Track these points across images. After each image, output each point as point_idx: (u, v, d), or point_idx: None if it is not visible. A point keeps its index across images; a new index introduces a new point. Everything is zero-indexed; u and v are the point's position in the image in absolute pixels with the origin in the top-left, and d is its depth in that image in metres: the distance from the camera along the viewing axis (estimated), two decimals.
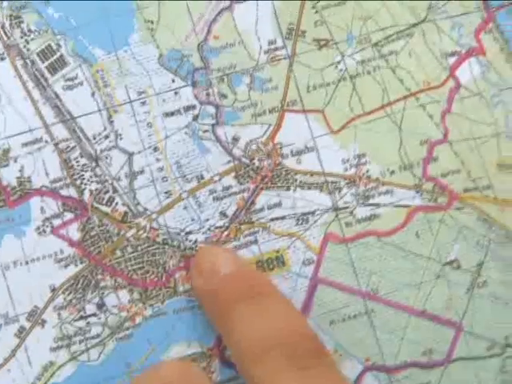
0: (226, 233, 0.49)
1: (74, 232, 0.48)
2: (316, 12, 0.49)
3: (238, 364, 0.46)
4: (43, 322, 0.47)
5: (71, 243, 0.48)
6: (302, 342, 0.45)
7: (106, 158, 0.48)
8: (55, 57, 0.47)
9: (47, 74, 0.47)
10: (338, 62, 0.49)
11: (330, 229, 0.49)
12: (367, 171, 0.49)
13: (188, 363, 0.49)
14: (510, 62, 0.50)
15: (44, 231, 0.47)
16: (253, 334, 0.44)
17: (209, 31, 0.48)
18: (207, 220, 0.48)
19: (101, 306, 0.48)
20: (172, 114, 0.48)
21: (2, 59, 0.47)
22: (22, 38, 0.46)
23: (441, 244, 0.50)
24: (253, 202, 0.49)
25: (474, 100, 0.50)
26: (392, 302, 0.50)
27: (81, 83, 0.47)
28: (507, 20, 0.50)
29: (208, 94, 0.48)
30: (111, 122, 0.48)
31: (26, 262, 0.47)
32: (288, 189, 0.49)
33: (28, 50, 0.47)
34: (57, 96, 0.47)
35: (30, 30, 0.47)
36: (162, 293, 0.48)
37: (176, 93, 0.48)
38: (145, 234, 0.48)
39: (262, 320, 0.45)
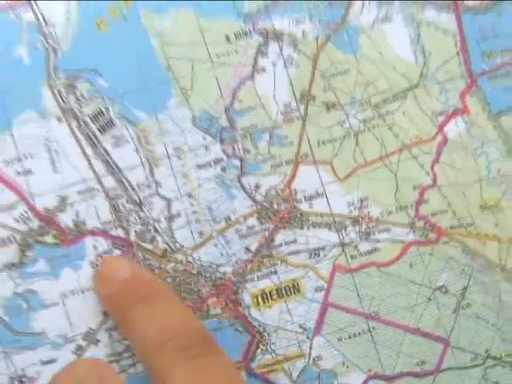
0: (250, 265, 0.49)
1: None
2: (324, 80, 0.49)
3: (141, 359, 0.47)
4: (97, 342, 0.47)
5: None
6: (192, 334, 0.45)
7: (149, 203, 0.48)
8: (104, 119, 0.47)
9: (98, 134, 0.47)
10: (343, 121, 0.49)
11: (337, 261, 0.50)
12: (368, 212, 0.50)
13: (100, 361, 0.48)
14: (490, 119, 0.50)
15: (97, 265, 0.48)
16: (150, 331, 0.44)
17: (234, 97, 0.48)
18: (234, 254, 0.49)
19: None
20: (203, 166, 0.48)
21: (60, 121, 0.47)
22: (76, 103, 0.47)
23: (431, 272, 0.50)
24: (272, 239, 0.49)
25: (460, 152, 0.51)
26: (390, 321, 0.50)
27: (126, 141, 0.48)
28: (487, 84, 0.50)
29: (234, 149, 0.49)
30: (152, 174, 0.48)
31: (82, 291, 0.47)
32: (302, 228, 0.49)
33: (81, 113, 0.47)
34: (106, 152, 0.47)
35: (83, 97, 0.47)
36: (196, 316, 0.49)
37: (206, 148, 0.48)
38: (182, 267, 0.49)
39: (157, 317, 0.45)
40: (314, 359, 0.50)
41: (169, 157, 0.48)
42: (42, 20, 0.47)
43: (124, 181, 0.48)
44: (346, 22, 0.50)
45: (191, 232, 0.49)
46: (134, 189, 0.48)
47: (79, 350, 0.48)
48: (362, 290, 0.50)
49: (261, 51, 0.49)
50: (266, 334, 0.50)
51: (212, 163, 0.49)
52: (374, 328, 0.50)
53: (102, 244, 0.48)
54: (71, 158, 0.48)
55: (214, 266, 0.49)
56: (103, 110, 0.48)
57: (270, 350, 0.50)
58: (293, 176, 0.50)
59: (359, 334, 0.50)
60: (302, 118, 0.50)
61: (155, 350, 0.45)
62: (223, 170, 0.49)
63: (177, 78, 0.48)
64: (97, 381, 0.44)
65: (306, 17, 0.50)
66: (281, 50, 0.49)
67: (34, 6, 0.47)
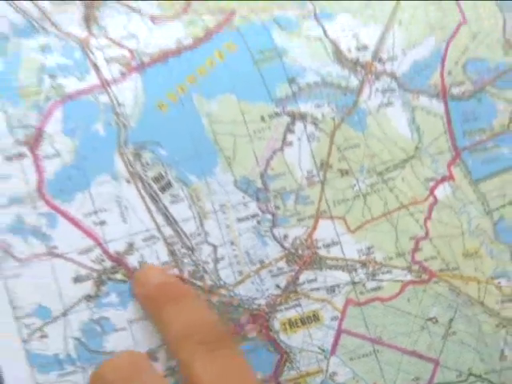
0: (279, 299, 0.50)
1: None
2: (339, 152, 0.51)
3: (173, 353, 0.48)
4: (156, 359, 0.48)
5: None
6: (211, 331, 0.46)
7: (199, 249, 0.49)
8: (164, 181, 0.49)
9: (159, 193, 0.49)
10: (354, 185, 0.51)
11: (349, 296, 0.51)
12: (374, 257, 0.51)
13: (139, 353, 0.48)
14: (471, 185, 0.52)
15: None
16: (176, 326, 0.46)
17: (267, 165, 0.50)
18: (267, 290, 0.50)
19: None
20: (243, 219, 0.50)
21: (129, 182, 0.48)
22: (141, 168, 0.48)
23: (424, 306, 0.51)
24: (297, 278, 0.50)
25: (447, 210, 0.52)
26: (391, 345, 0.51)
27: (181, 199, 0.49)
28: (468, 157, 0.52)
29: (267, 206, 0.50)
30: (202, 225, 0.49)
31: (145, 319, 0.48)
32: (321, 269, 0.51)
33: (146, 176, 0.48)
34: (165, 207, 0.49)
35: (147, 163, 0.49)
36: (236, 339, 0.50)
37: (245, 205, 0.50)
38: (225, 300, 0.50)
39: (182, 315, 0.46)
40: (330, 375, 0.51)
41: (215, 212, 0.50)
42: (115, 102, 0.49)
43: (179, 230, 0.50)
44: (357, 107, 0.52)
45: (232, 272, 0.50)
46: (187, 237, 0.50)
47: None
48: (369, 319, 0.51)
49: (289, 129, 0.51)
50: (291, 354, 0.51)
51: (250, 217, 0.51)
52: (378, 350, 0.51)
53: None
54: (137, 211, 0.49)
55: (250, 299, 0.51)
56: (163, 174, 0.50)
57: (295, 366, 0.51)
58: (314, 228, 0.51)
59: (367, 354, 0.51)
60: (322, 183, 0.51)
61: (180, 343, 0.46)
62: (258, 222, 0.51)
63: (222, 149, 0.50)
64: (134, 370, 0.45)
65: (325, 102, 0.51)
66: (305, 128, 0.51)
67: (109, 91, 0.49)
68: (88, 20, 0.50)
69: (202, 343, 0.46)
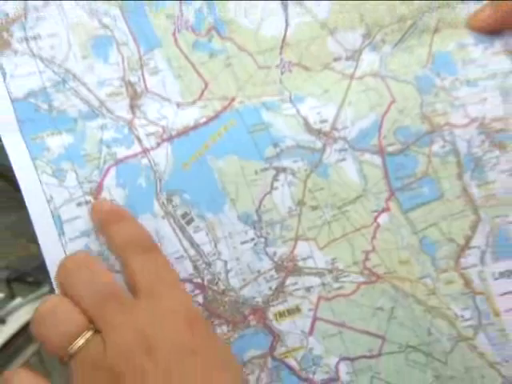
0: (272, 297, 0.53)
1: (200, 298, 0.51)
2: (311, 193, 0.53)
3: (119, 259, 0.48)
4: None
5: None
6: (144, 240, 0.48)
7: (214, 263, 0.52)
8: (189, 217, 0.51)
9: (185, 225, 0.51)
10: (322, 216, 0.53)
11: (320, 294, 0.53)
12: (337, 266, 0.53)
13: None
14: (402, 214, 0.54)
15: None
16: (119, 238, 0.48)
17: (260, 203, 0.52)
18: (263, 291, 0.52)
19: None
20: (244, 242, 0.53)
21: (163, 219, 0.50)
22: (172, 208, 0.50)
23: (373, 299, 0.54)
24: (284, 282, 0.53)
25: (387, 232, 0.54)
26: (351, 327, 0.53)
27: (201, 229, 0.51)
28: (400, 195, 0.54)
29: (261, 233, 0.53)
30: (216, 247, 0.52)
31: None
32: (300, 276, 0.53)
33: (175, 213, 0.50)
34: (190, 236, 0.51)
35: (176, 205, 0.50)
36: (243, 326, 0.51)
37: (246, 232, 0.52)
38: (233, 299, 0.52)
39: (123, 230, 0.48)
40: (309, 349, 0.53)
41: (225, 237, 0.52)
42: (152, 163, 0.51)
43: (200, 251, 0.52)
44: (321, 162, 0.53)
45: (238, 279, 0.52)
46: (205, 255, 0.52)
47: None
48: (335, 310, 0.53)
49: (275, 178, 0.53)
50: (281, 336, 0.52)
51: (249, 240, 0.52)
52: (342, 331, 0.53)
53: (188, 286, 0.51)
54: (170, 239, 0.51)
55: (251, 298, 0.52)
56: (188, 212, 0.52)
57: (284, 344, 0.52)
58: (294, 247, 0.53)
59: (334, 334, 0.53)
60: (299, 215, 0.53)
61: (122, 250, 0.46)
62: (255, 244, 0.52)
63: (228, 193, 0.52)
64: (88, 261, 0.44)
65: (300, 159, 0.53)
66: (286, 177, 0.53)
67: (148, 156, 0.51)
68: (132, 107, 0.52)
69: (138, 247, 0.45)
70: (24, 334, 1.49)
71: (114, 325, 0.39)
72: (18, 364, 1.45)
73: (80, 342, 0.40)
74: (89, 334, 0.40)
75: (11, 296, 1.52)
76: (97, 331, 0.40)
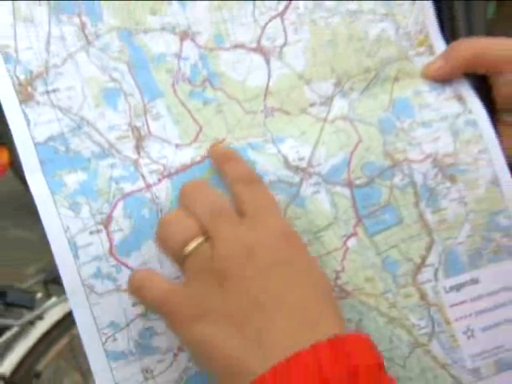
0: None
1: None
2: (290, 221, 0.54)
3: (231, 192, 0.50)
4: None
5: None
6: (250, 175, 0.52)
7: None
8: None
9: None
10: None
11: None
12: None
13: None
14: (368, 238, 0.56)
15: None
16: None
17: None
18: None
19: None
20: None
21: None
22: None
23: (343, 312, 0.54)
24: None
25: (355, 254, 0.56)
26: None
27: None
28: (366, 220, 0.56)
29: None
30: None
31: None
32: None
33: None
34: None
35: None
36: None
37: None
38: None
39: (234, 170, 0.52)
40: None
41: None
42: (155, 197, 0.53)
43: None
44: (299, 194, 0.55)
45: None
46: None
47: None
48: None
49: None
50: None
51: None
52: None
53: None
54: (169, 261, 0.51)
55: None
56: None
57: None
58: None
59: None
60: None
61: (232, 184, 0.50)
62: None
63: None
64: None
65: (280, 192, 0.55)
66: None
67: (151, 190, 0.53)
68: (138, 148, 0.54)
69: (245, 181, 0.50)
70: (58, 328, 1.58)
71: (223, 235, 0.43)
72: (53, 353, 1.54)
73: (193, 245, 0.44)
74: (200, 240, 0.44)
75: (48, 295, 1.60)
76: (207, 239, 0.43)
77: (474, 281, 0.58)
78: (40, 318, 1.54)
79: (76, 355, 1.58)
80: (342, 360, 0.37)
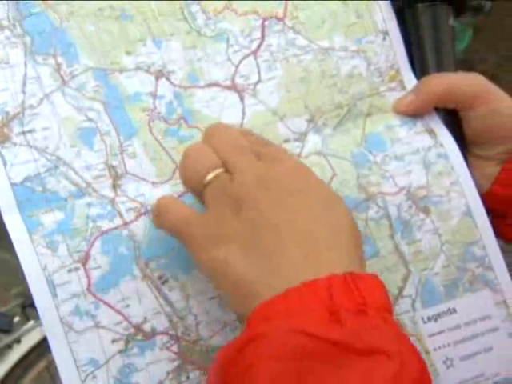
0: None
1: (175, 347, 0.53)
2: None
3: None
4: None
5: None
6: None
7: (187, 317, 0.54)
8: (164, 278, 0.53)
9: (161, 286, 0.53)
10: None
11: None
12: None
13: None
14: None
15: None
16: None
17: None
18: (229, 339, 0.52)
19: None
20: (212, 298, 0.55)
21: (142, 280, 0.53)
22: (150, 272, 0.53)
23: None
24: None
25: None
26: None
27: (175, 288, 0.54)
28: None
29: None
30: (188, 303, 0.54)
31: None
32: None
33: (153, 276, 0.53)
34: (165, 294, 0.53)
35: (153, 268, 0.53)
36: None
37: (213, 290, 0.55)
38: (204, 348, 0.54)
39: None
40: None
41: (195, 295, 0.54)
42: (131, 234, 0.54)
43: (174, 307, 0.54)
44: None
45: (207, 330, 0.55)
46: (179, 311, 0.54)
47: None
48: None
49: None
50: None
51: (216, 296, 0.55)
52: None
53: (164, 338, 0.53)
54: (148, 297, 0.53)
55: (219, 346, 0.54)
56: (163, 274, 0.54)
57: None
58: None
59: None
60: None
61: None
62: (221, 299, 0.54)
63: None
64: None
65: None
66: None
67: (128, 228, 0.53)
68: (115, 186, 0.54)
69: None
70: (36, 352, 1.59)
71: (242, 167, 0.44)
72: (31, 376, 1.55)
73: (212, 174, 0.45)
74: (220, 170, 0.45)
75: (26, 319, 1.61)
76: (227, 171, 0.45)
77: (451, 311, 0.59)
78: (17, 341, 1.55)
79: (54, 380, 1.57)
80: (353, 295, 0.38)
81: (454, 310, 0.59)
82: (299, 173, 0.46)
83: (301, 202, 0.43)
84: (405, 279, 0.59)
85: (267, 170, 0.44)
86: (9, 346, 1.57)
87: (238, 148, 0.46)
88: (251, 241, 0.42)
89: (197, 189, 0.46)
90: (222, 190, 0.44)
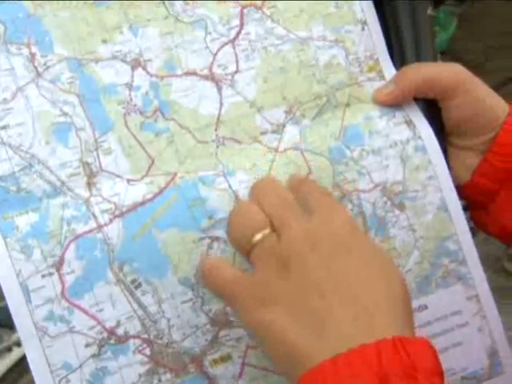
0: (208, 347, 0.55)
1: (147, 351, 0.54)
2: (239, 257, 0.54)
3: None
4: None
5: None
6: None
7: (160, 321, 0.54)
8: (137, 282, 0.54)
9: (134, 290, 0.54)
10: None
11: (247, 343, 0.56)
12: None
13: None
14: None
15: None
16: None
17: (198, 269, 0.54)
18: (200, 342, 0.55)
19: None
20: (185, 302, 0.55)
21: (115, 285, 0.54)
22: (123, 275, 0.54)
23: None
24: (218, 334, 0.56)
25: None
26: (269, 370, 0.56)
27: (148, 292, 0.54)
28: None
29: (198, 293, 0.55)
30: (160, 307, 0.55)
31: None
32: (231, 329, 0.55)
33: (126, 280, 0.54)
34: (138, 298, 0.54)
35: (126, 273, 0.54)
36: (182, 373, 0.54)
37: (185, 293, 0.55)
38: (176, 350, 0.55)
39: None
40: None
41: (168, 299, 0.54)
42: (106, 237, 0.54)
43: (147, 311, 0.54)
44: None
45: (179, 333, 0.55)
46: (152, 315, 0.54)
47: None
48: (260, 356, 0.55)
49: (210, 246, 0.55)
50: (216, 380, 0.55)
51: (188, 300, 0.55)
52: (266, 375, 0.55)
53: (136, 341, 0.54)
54: (121, 301, 0.54)
55: (191, 349, 0.55)
56: (136, 278, 0.54)
57: None
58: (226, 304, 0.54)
59: (259, 377, 0.56)
60: None
61: None
62: (194, 303, 0.55)
63: (171, 261, 0.54)
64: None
65: None
66: (219, 245, 0.55)
67: (103, 231, 0.54)
68: (89, 184, 0.54)
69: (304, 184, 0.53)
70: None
71: (289, 226, 0.44)
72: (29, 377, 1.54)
73: (260, 235, 0.45)
74: (267, 231, 0.45)
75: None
76: (274, 231, 0.45)
77: (422, 307, 0.61)
78: (9, 349, 1.54)
79: None
80: (402, 360, 0.38)
81: (425, 307, 0.61)
82: (347, 231, 0.45)
83: (349, 262, 0.43)
84: None
85: (315, 228, 0.44)
86: (8, 349, 1.56)
87: (285, 205, 0.47)
88: (298, 303, 0.42)
89: (244, 249, 0.46)
90: (270, 251, 0.44)
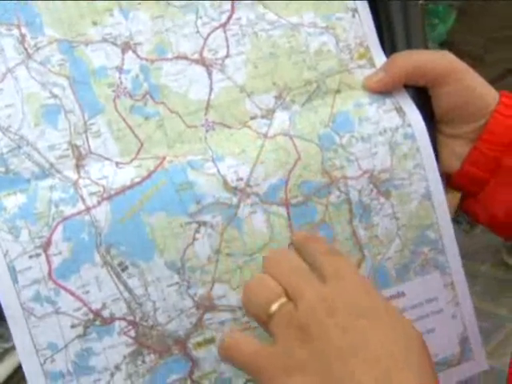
0: (192, 330, 0.56)
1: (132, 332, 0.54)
2: (226, 243, 0.56)
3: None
4: None
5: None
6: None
7: (145, 303, 0.55)
8: (124, 265, 0.55)
9: (120, 272, 0.55)
10: (235, 262, 0.57)
11: (231, 326, 0.56)
12: None
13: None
14: None
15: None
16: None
17: (184, 253, 0.55)
18: (185, 326, 0.55)
19: None
20: (170, 285, 0.55)
21: (102, 267, 0.54)
22: (110, 258, 0.54)
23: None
24: (202, 317, 0.56)
25: None
26: None
27: (134, 275, 0.55)
28: None
29: (184, 277, 0.55)
30: (147, 290, 0.55)
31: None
32: (215, 312, 0.56)
33: (113, 262, 0.54)
34: (125, 281, 0.55)
35: (113, 255, 0.55)
36: (167, 356, 0.55)
37: (171, 277, 0.55)
38: (160, 333, 0.55)
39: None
40: (220, 373, 0.57)
41: (154, 281, 0.55)
42: (93, 220, 0.54)
43: (133, 294, 0.55)
44: (236, 215, 0.57)
45: (165, 316, 0.55)
46: (138, 297, 0.55)
47: None
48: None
49: (197, 231, 0.56)
50: (199, 362, 0.56)
51: (174, 284, 0.55)
52: None
53: (122, 323, 0.54)
54: (108, 284, 0.54)
55: (175, 331, 0.55)
56: (123, 261, 0.55)
57: (200, 369, 0.56)
58: (211, 289, 0.56)
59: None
60: (216, 261, 0.56)
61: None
62: (180, 287, 0.55)
63: (158, 245, 0.55)
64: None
65: (218, 214, 0.56)
66: (206, 230, 0.56)
67: (90, 213, 0.54)
68: (78, 167, 0.55)
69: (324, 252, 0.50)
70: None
71: (305, 294, 0.45)
72: None
73: (276, 305, 0.45)
74: (284, 300, 0.45)
75: None
76: (290, 300, 0.45)
77: (400, 294, 0.62)
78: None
79: None
80: None
81: (403, 294, 0.62)
82: (360, 292, 0.46)
83: (367, 324, 0.43)
84: (359, 264, 0.60)
85: (329, 292, 0.45)
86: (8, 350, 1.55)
87: (297, 272, 0.47)
88: (320, 370, 0.42)
89: (262, 320, 0.46)
90: (288, 320, 0.44)
